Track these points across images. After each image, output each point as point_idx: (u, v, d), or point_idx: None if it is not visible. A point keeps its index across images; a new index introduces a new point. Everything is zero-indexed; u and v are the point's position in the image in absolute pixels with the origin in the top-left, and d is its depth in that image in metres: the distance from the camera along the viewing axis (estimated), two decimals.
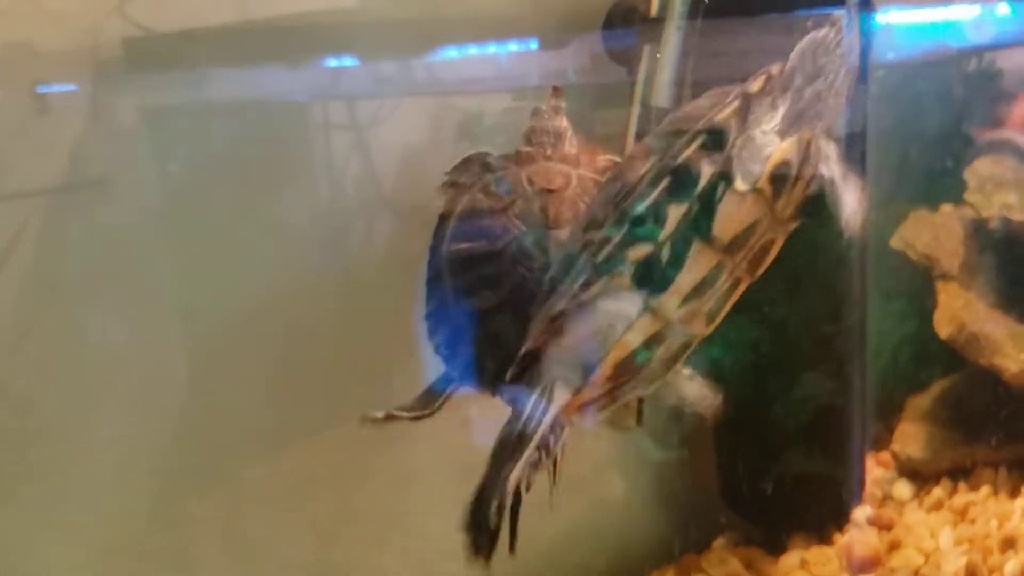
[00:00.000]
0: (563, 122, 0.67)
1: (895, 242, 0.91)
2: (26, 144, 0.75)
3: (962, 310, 0.84)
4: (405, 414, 0.65)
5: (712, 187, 0.55)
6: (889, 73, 0.83)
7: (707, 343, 0.85)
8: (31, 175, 0.75)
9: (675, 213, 0.55)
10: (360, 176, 0.96)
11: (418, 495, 0.87)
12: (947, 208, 0.95)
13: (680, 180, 0.55)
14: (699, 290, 0.56)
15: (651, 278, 0.56)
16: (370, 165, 0.96)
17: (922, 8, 0.85)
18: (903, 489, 0.92)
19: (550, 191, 0.64)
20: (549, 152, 0.67)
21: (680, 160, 0.55)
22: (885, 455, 0.95)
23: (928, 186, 0.94)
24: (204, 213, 0.82)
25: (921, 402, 0.97)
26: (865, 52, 0.74)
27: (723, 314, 0.59)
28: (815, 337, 0.83)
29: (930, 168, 0.94)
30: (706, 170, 0.55)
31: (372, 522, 0.87)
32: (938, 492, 0.90)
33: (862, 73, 0.78)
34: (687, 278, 0.56)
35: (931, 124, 0.94)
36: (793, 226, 0.59)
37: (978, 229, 0.90)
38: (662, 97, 0.70)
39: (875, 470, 0.94)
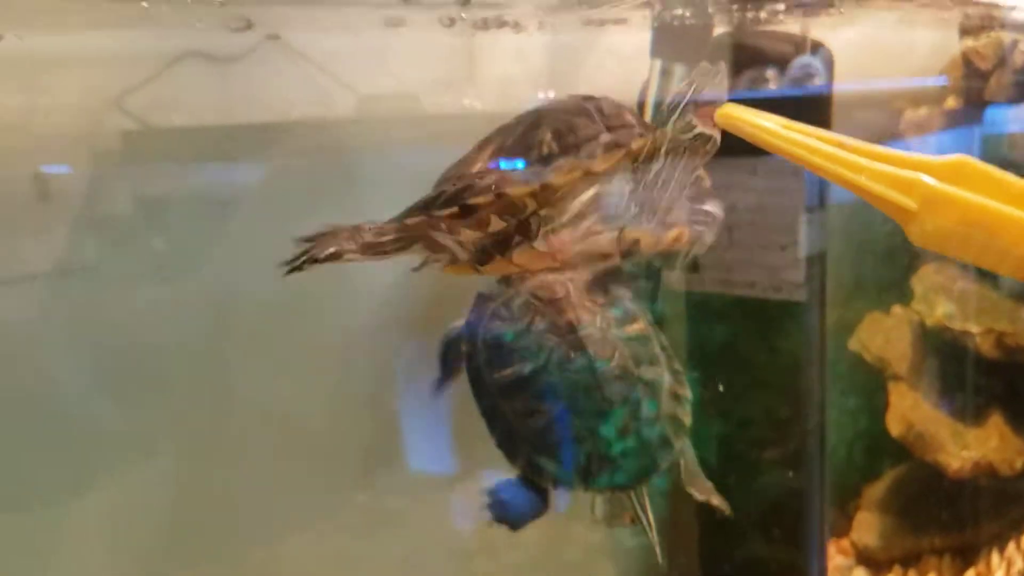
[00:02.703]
0: None
1: (853, 344, 1.07)
2: (23, 228, 0.82)
3: (910, 410, 0.99)
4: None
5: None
6: (847, 203, 0.99)
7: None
8: (26, 259, 0.83)
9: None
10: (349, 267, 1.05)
11: None
12: (898, 310, 1.11)
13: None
14: None
15: None
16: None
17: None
18: None
19: (557, 299, 0.73)
20: None
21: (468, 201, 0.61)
22: (845, 543, 1.08)
23: (881, 293, 1.10)
24: (196, 299, 0.89)
25: (875, 492, 1.11)
26: (823, 186, 0.89)
27: None
28: (779, 432, 0.96)
29: (883, 278, 1.10)
30: (495, 223, 0.61)
31: None
32: None
33: (821, 201, 0.93)
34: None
35: (884, 241, 1.10)
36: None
37: (924, 334, 1.05)
38: None
39: (836, 557, 1.06)
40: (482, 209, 0.61)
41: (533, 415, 0.72)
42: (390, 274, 1.02)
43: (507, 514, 0.75)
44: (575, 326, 0.72)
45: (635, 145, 0.60)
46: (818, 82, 0.90)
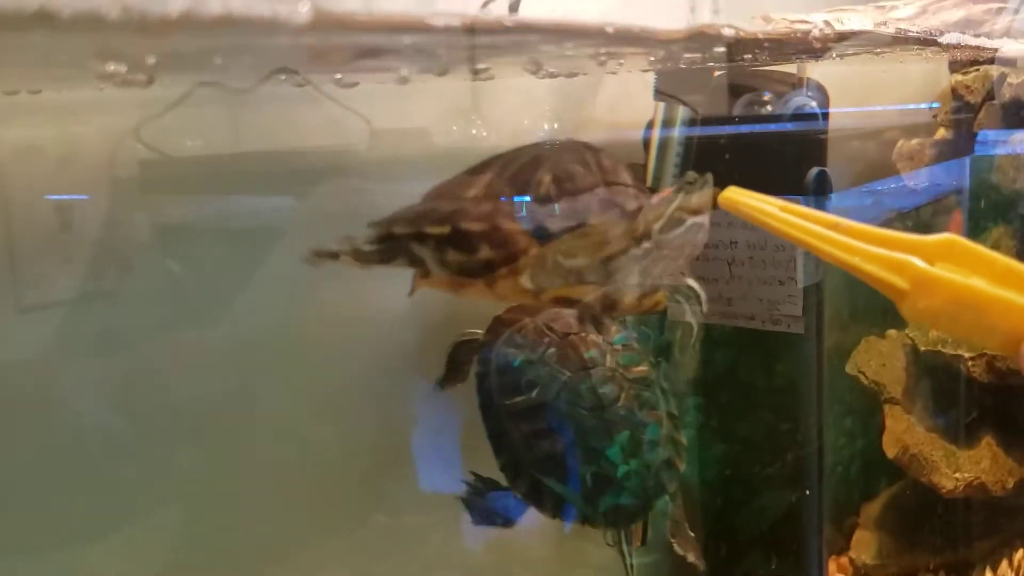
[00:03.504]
0: None
1: (850, 368, 1.11)
2: (45, 256, 0.86)
3: (904, 433, 1.03)
4: None
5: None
6: None
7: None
8: (49, 287, 0.86)
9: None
10: (361, 293, 1.08)
11: None
12: (892, 335, 1.16)
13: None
14: None
15: None
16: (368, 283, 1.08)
17: (867, 185, 1.07)
18: None
19: (571, 333, 0.77)
20: None
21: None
22: (844, 560, 1.13)
23: (876, 319, 1.15)
24: (212, 325, 0.93)
25: (872, 511, 1.15)
26: None
27: None
28: (779, 453, 1.00)
29: (878, 304, 1.14)
30: (485, 251, 0.61)
31: None
32: None
33: None
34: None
35: None
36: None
37: (917, 358, 1.10)
38: None
39: (836, 575, 1.11)
40: (474, 236, 0.62)
41: (540, 440, 0.76)
42: (401, 298, 1.07)
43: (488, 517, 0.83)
44: (585, 361, 0.76)
45: (630, 206, 0.62)
46: (813, 119, 0.95)
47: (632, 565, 0.83)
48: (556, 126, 1.03)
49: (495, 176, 0.65)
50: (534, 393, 0.76)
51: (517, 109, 1.00)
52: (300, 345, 0.96)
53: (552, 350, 0.77)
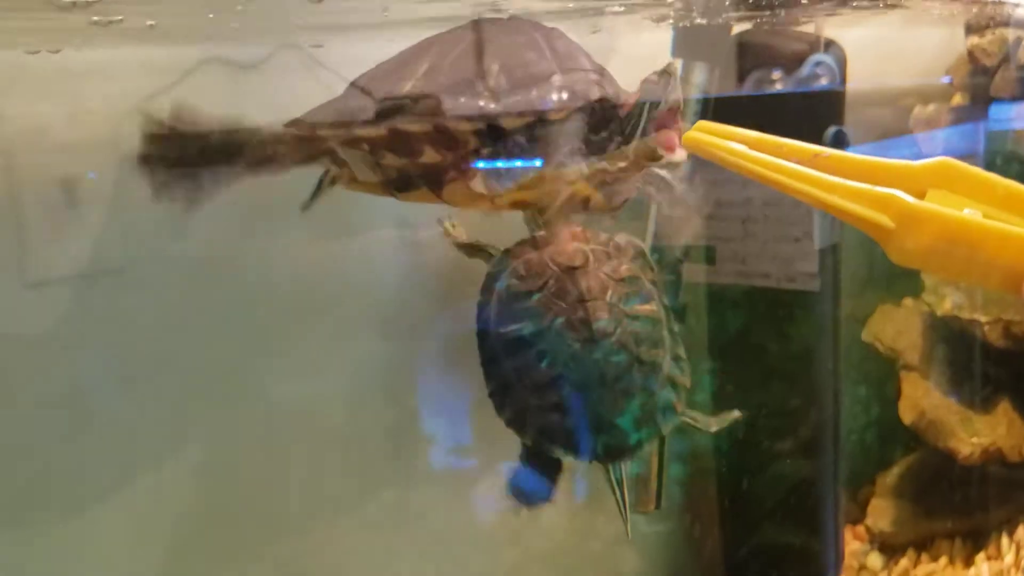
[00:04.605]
0: None
1: (865, 335, 1.11)
2: (51, 233, 0.85)
3: (922, 399, 1.04)
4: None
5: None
6: None
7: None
8: (55, 263, 0.86)
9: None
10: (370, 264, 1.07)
11: (443, 570, 0.98)
12: (908, 302, 1.15)
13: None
14: None
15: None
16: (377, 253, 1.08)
17: (884, 140, 1.06)
18: (875, 560, 1.10)
19: (574, 268, 0.74)
20: None
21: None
22: (861, 528, 1.13)
23: (892, 285, 1.14)
24: (219, 301, 0.93)
25: (888, 479, 1.15)
26: None
27: None
28: (795, 421, 0.99)
29: (894, 270, 1.14)
30: (430, 154, 0.54)
31: None
32: (904, 563, 1.09)
33: None
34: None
35: None
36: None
37: (933, 324, 1.09)
38: None
39: (852, 543, 1.11)
40: (415, 138, 0.54)
41: (530, 371, 0.73)
42: (411, 272, 1.06)
43: (525, 497, 0.80)
44: (584, 297, 0.72)
45: (593, 95, 0.55)
46: (831, 79, 0.94)
47: (625, 498, 0.80)
48: None
49: (432, 66, 0.56)
50: (527, 324, 0.73)
51: None
52: (307, 318, 0.96)
53: (553, 283, 0.74)
